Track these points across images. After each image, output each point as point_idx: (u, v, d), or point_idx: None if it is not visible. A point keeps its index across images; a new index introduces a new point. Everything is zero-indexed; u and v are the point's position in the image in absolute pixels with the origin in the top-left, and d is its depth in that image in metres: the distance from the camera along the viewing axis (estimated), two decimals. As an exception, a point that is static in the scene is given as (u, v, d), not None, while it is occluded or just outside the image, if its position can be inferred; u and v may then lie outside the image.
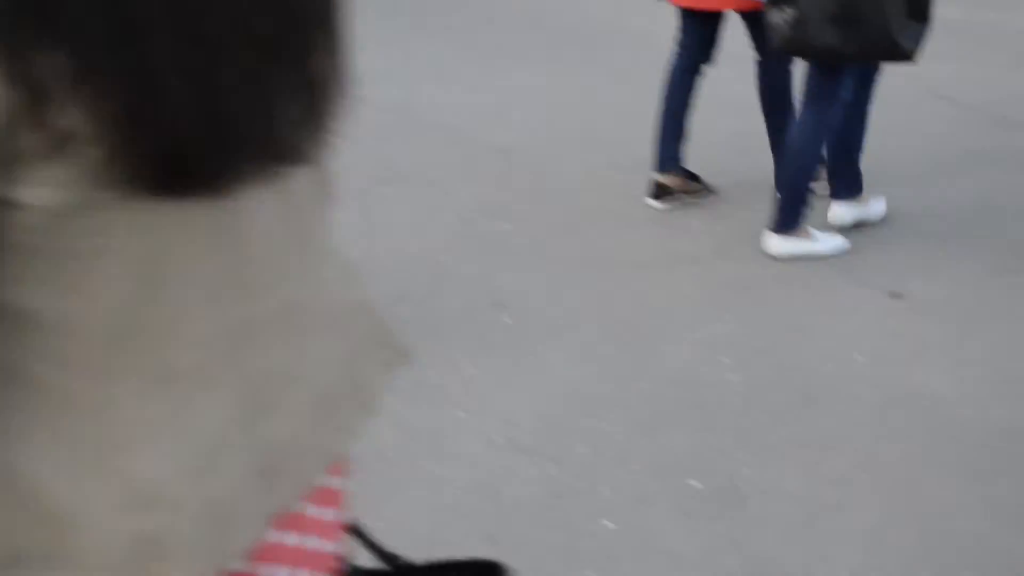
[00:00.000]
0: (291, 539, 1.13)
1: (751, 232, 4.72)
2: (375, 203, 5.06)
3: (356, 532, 1.38)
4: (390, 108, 6.34)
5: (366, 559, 1.38)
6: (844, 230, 4.65)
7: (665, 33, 7.96)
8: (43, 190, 0.86)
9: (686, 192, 5.08)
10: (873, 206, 4.91)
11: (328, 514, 1.21)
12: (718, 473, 3.21)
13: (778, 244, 4.54)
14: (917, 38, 4.20)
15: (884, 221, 4.82)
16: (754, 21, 4.70)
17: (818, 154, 4.61)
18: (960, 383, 3.65)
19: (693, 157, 5.09)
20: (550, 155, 5.68)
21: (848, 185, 4.85)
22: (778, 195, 4.59)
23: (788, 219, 4.54)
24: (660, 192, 5.05)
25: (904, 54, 4.19)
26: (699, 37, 4.98)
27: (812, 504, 3.07)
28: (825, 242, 4.56)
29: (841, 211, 4.84)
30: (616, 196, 5.16)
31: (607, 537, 2.96)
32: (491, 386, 3.62)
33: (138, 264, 0.93)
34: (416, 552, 2.90)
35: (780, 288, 4.29)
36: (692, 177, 5.11)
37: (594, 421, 3.45)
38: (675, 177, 5.05)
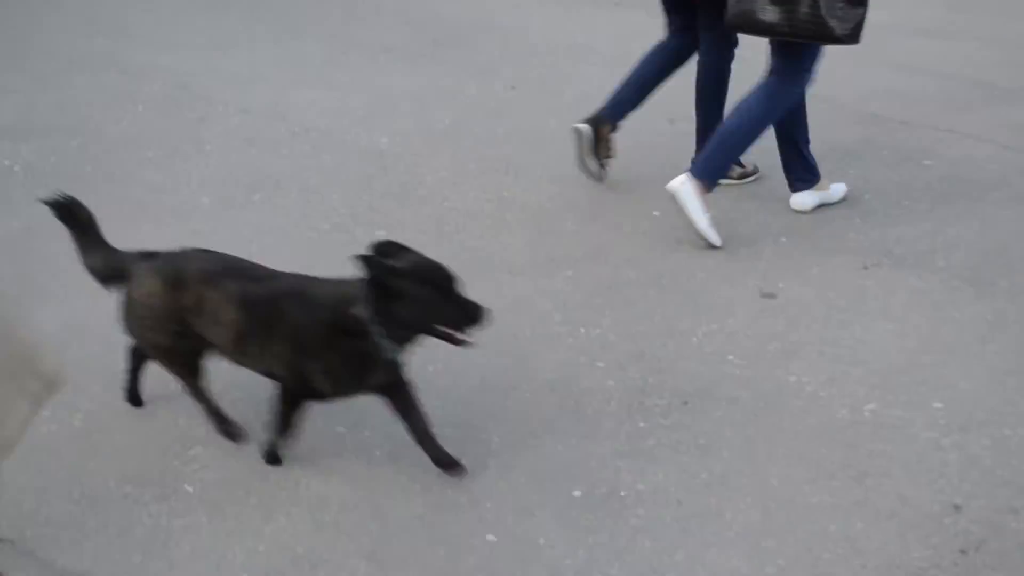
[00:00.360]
0: None
1: (624, 234, 4.76)
2: (245, 210, 4.97)
3: None
4: (259, 112, 6.24)
5: None
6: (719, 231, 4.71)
7: (536, 30, 8.00)
8: None
9: (595, 156, 5.21)
10: (833, 190, 5.10)
11: None
12: (599, 481, 3.22)
13: (682, 185, 4.60)
14: (851, 21, 4.35)
15: (755, 221, 4.90)
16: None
17: (765, 127, 4.72)
18: (833, 381, 3.72)
19: (567, 157, 5.13)
20: (422, 158, 5.64)
21: (802, 177, 5.01)
22: (709, 142, 4.70)
23: (707, 169, 4.64)
24: (595, 124, 5.17)
25: (834, 36, 4.35)
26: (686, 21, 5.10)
27: (691, 509, 3.10)
28: (707, 224, 4.62)
29: (802, 198, 5.02)
30: (489, 199, 5.15)
31: (489, 551, 2.95)
32: (369, 400, 3.57)
33: None
34: (299, 573, 2.86)
35: (654, 290, 4.32)
36: (608, 150, 5.23)
37: (474, 432, 3.43)
38: (609, 128, 5.18)
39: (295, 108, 6.31)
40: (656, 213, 4.97)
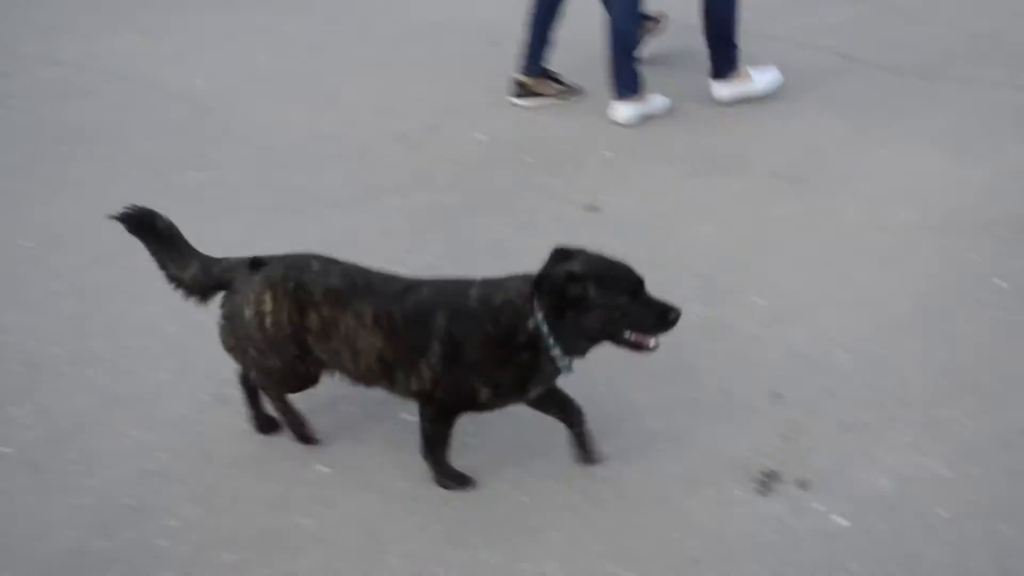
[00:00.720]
0: None
1: (449, 159, 4.73)
2: (57, 165, 4.80)
3: None
4: (69, 63, 6.02)
5: None
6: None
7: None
8: None
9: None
10: (653, 102, 5.19)
11: None
12: (429, 403, 3.20)
13: (719, 88, 5.24)
14: None
15: (579, 136, 4.92)
16: None
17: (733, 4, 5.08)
18: (657, 286, 3.72)
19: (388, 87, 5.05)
20: (241, 98, 5.51)
21: (627, 83, 5.07)
22: (708, 48, 5.21)
23: (723, 65, 5.20)
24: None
25: None
26: None
27: (519, 420, 3.09)
28: (761, 79, 5.27)
29: (622, 109, 5.09)
30: (311, 134, 5.07)
31: (321, 482, 2.92)
32: (193, 344, 3.49)
33: None
34: (125, 523, 2.78)
35: (481, 212, 4.31)
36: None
37: (302, 366, 3.39)
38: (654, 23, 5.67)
39: (106, 56, 6.10)
40: (480, 136, 4.95)
